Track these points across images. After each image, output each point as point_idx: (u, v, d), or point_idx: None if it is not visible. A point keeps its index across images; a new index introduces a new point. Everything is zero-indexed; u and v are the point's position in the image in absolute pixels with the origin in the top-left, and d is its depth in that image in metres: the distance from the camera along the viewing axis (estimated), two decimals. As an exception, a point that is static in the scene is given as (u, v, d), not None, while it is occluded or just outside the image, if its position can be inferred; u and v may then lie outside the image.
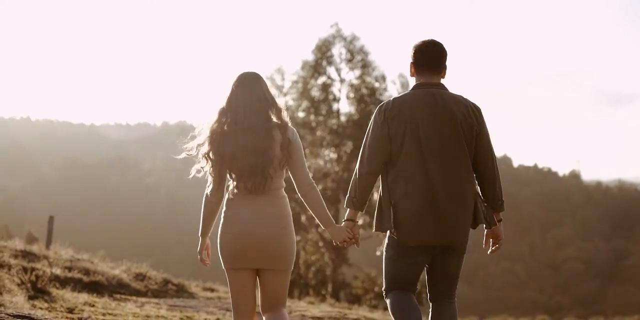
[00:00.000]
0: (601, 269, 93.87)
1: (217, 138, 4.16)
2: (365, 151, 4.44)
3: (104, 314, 8.19)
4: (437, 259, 4.49)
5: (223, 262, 4.25)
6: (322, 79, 33.11)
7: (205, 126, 4.26)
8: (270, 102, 4.24)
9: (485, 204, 4.60)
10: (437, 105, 4.39)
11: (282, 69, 34.13)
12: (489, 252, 4.82)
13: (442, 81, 4.60)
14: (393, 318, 4.47)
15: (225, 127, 4.17)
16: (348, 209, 4.52)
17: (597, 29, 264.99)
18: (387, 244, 4.56)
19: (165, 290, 12.80)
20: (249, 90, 4.21)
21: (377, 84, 32.86)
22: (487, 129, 4.50)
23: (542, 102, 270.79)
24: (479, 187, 4.56)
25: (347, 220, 4.49)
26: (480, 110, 4.49)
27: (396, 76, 33.83)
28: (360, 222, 4.53)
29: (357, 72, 33.06)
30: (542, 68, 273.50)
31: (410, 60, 4.61)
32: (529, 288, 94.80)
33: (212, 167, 4.21)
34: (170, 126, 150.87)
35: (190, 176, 4.30)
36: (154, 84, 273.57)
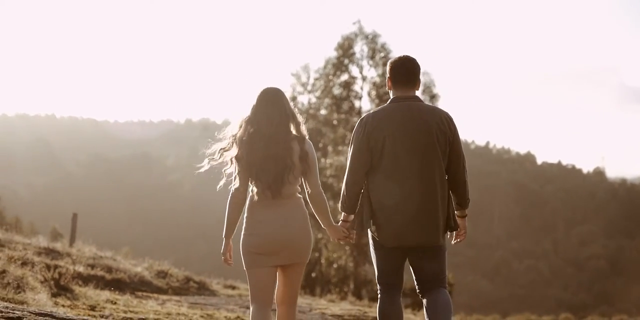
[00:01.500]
0: (625, 266, 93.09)
1: (243, 145, 4.58)
2: (350, 162, 4.85)
3: (125, 312, 8.27)
4: (417, 256, 4.87)
5: (245, 262, 4.63)
6: (344, 77, 33.04)
7: (229, 132, 4.69)
8: (290, 116, 4.65)
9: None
10: (412, 116, 4.77)
11: (308, 66, 33.99)
12: (452, 242, 5.15)
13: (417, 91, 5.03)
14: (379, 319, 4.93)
15: (249, 136, 4.58)
16: (341, 212, 4.96)
17: (622, 25, 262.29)
18: (370, 241, 5.00)
19: (187, 288, 12.90)
20: (272, 104, 4.62)
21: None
22: (459, 136, 4.88)
23: (567, 98, 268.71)
24: (450, 190, 4.94)
25: (342, 221, 4.96)
26: (452, 119, 4.87)
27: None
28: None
29: (379, 70, 32.93)
30: (566, 65, 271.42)
31: (387, 75, 5.01)
32: (552, 285, 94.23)
33: (239, 169, 4.60)
34: (193, 123, 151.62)
35: (218, 187, 4.70)
36: (177, 81, 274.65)
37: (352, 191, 4.85)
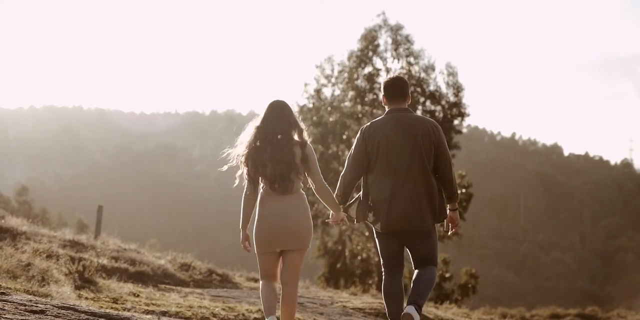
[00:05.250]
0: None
1: (252, 150, 5.53)
2: (349, 162, 5.84)
3: (147, 304, 8.34)
4: (410, 241, 5.79)
5: (256, 247, 5.64)
6: (367, 69, 32.83)
7: (243, 139, 5.60)
8: (293, 125, 5.61)
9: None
10: (402, 125, 5.76)
11: (332, 59, 33.72)
12: (449, 233, 6.08)
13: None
14: (382, 297, 5.88)
15: (258, 143, 5.54)
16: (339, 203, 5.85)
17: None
18: (374, 232, 5.92)
19: (210, 281, 12.99)
20: (278, 115, 5.59)
21: (423, 75, 32.38)
22: (444, 140, 5.82)
23: (594, 89, 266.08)
24: (441, 186, 5.82)
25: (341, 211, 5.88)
26: (438, 126, 5.83)
27: (444, 66, 33.20)
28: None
29: (402, 62, 32.66)
30: (594, 54, 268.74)
31: (382, 93, 6.00)
32: (579, 278, 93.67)
33: (248, 173, 5.56)
34: (218, 114, 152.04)
35: (235, 185, 5.67)
36: (203, 73, 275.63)
37: (349, 185, 5.82)
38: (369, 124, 5.90)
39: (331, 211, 5.86)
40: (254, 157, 5.51)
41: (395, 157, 5.70)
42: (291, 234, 5.54)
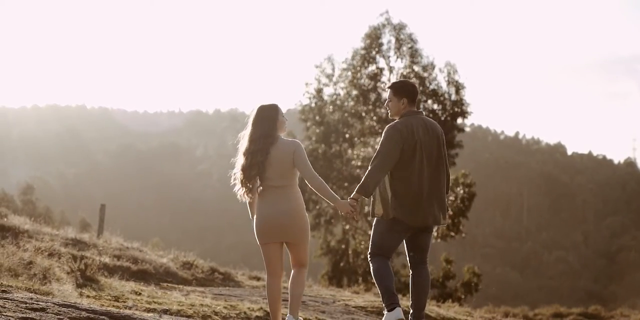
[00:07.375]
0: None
1: (244, 157, 5.87)
2: (382, 157, 6.07)
3: (149, 303, 8.34)
4: (417, 236, 6.21)
5: (257, 239, 5.94)
6: (371, 68, 32.79)
7: (240, 145, 5.93)
8: (278, 128, 5.91)
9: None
10: (427, 127, 6.23)
11: (331, 58, 33.77)
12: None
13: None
14: (374, 279, 6.14)
15: (247, 148, 5.86)
16: (355, 192, 6.05)
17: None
18: (378, 221, 6.21)
19: (212, 279, 12.99)
20: (266, 119, 5.88)
21: (425, 74, 32.34)
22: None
23: (597, 88, 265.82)
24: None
25: (352, 198, 6.05)
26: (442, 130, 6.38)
27: (443, 64, 33.21)
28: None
29: (405, 61, 32.62)
30: (596, 53, 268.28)
31: (399, 95, 6.28)
32: (582, 277, 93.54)
33: (242, 178, 5.90)
34: (222, 113, 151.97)
35: (238, 196, 6.01)
36: (206, 72, 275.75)
37: (378, 178, 6.02)
38: (399, 122, 6.18)
39: (335, 202, 5.90)
40: (243, 163, 5.88)
41: (426, 157, 6.13)
42: (280, 226, 5.82)
